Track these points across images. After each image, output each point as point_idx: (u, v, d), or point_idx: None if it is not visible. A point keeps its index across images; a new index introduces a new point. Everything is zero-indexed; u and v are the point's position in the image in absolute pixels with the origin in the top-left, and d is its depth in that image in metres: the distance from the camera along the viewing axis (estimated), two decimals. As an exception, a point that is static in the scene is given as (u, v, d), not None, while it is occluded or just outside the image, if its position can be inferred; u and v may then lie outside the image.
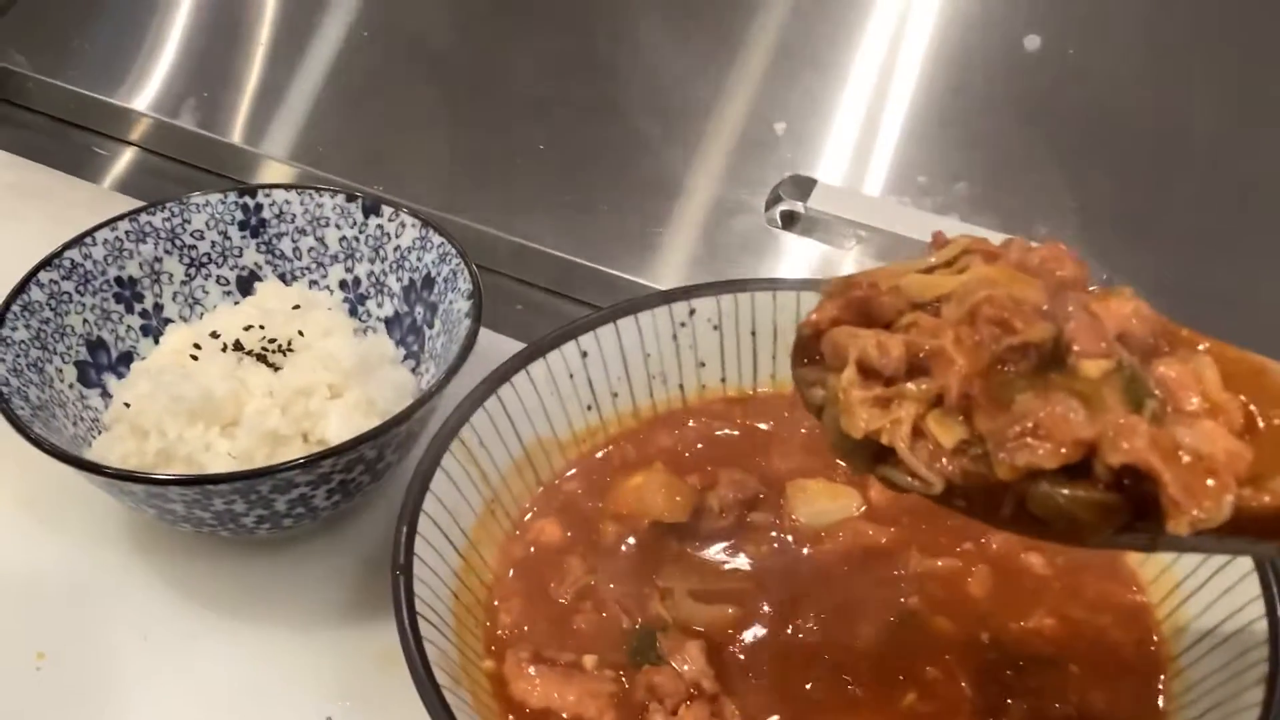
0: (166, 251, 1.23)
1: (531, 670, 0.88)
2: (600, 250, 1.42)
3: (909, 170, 1.40)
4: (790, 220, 1.40)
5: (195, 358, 1.14)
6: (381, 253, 1.23)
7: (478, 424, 0.98)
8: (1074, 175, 1.37)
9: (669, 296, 1.07)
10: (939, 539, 0.97)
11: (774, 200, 1.40)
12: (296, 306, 1.18)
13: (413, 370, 1.20)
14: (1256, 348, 0.68)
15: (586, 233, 1.46)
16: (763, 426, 1.07)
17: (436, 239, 1.19)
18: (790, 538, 0.98)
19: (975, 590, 0.94)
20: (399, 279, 1.22)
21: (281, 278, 1.25)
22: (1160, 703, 0.87)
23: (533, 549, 0.97)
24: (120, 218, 1.20)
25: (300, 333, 1.15)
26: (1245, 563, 0.88)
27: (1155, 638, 0.91)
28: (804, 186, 1.38)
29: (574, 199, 1.49)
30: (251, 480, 0.98)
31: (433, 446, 0.95)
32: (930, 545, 0.97)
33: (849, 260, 1.36)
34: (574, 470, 1.03)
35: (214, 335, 1.17)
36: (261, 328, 1.16)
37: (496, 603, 0.93)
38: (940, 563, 0.95)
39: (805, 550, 0.97)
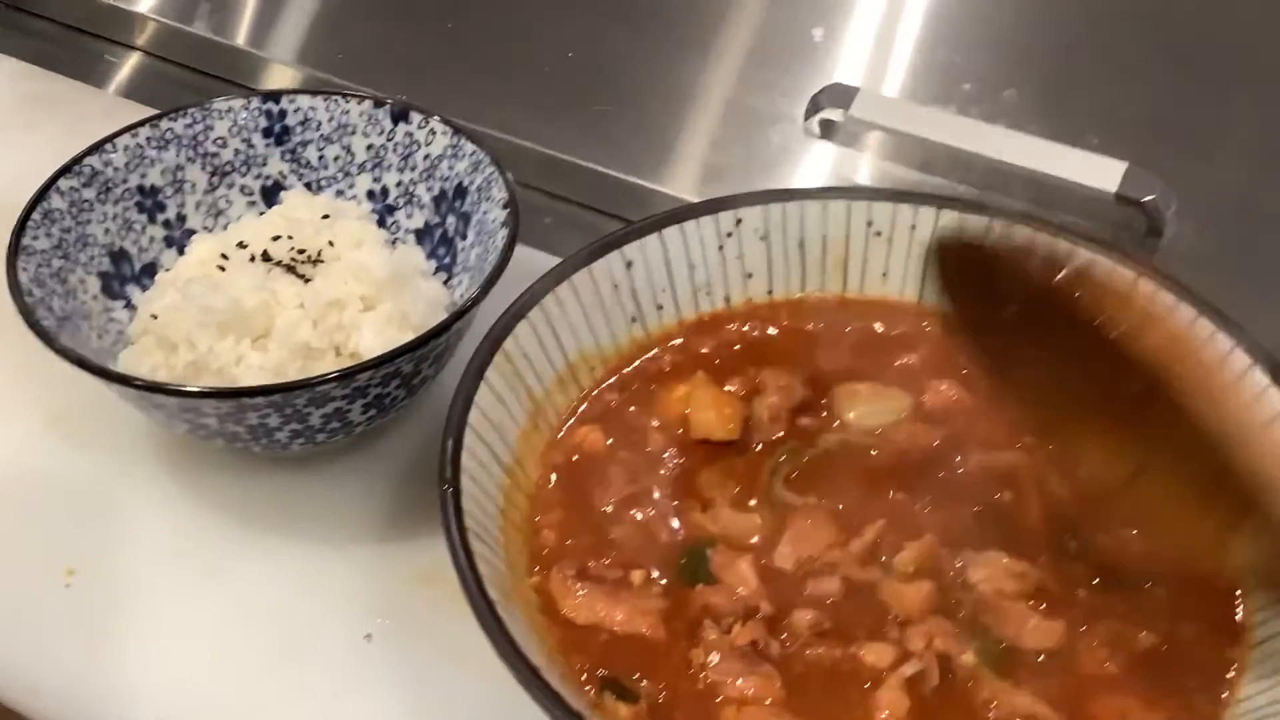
0: (189, 159, 1.18)
1: (578, 587, 0.85)
2: (633, 161, 1.38)
3: (955, 77, 1.35)
4: (830, 130, 1.35)
5: (223, 269, 1.10)
6: (411, 161, 1.19)
7: (521, 335, 0.94)
8: (1131, 87, 1.32)
9: (714, 206, 1.03)
10: (995, 435, 0.94)
11: (813, 109, 1.34)
12: (326, 216, 1.14)
13: (444, 283, 1.16)
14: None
15: (619, 144, 1.41)
16: (808, 327, 1.03)
17: (469, 147, 1.14)
18: (843, 442, 0.95)
19: (1055, 491, 0.91)
20: (429, 188, 1.18)
21: (307, 187, 1.21)
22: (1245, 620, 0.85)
23: (575, 457, 0.94)
24: (141, 124, 1.16)
25: (330, 243, 1.11)
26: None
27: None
28: (844, 95, 1.33)
29: (605, 109, 1.44)
30: (288, 394, 0.95)
31: (475, 359, 0.91)
32: (988, 441, 0.93)
33: (892, 171, 1.32)
34: (614, 378, 1.00)
35: (241, 246, 1.13)
36: (290, 238, 1.12)
37: (538, 517, 0.90)
38: (1000, 456, 0.92)
39: (861, 453, 0.94)
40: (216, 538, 1.06)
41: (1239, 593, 0.86)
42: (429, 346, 0.98)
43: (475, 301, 1.00)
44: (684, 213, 1.02)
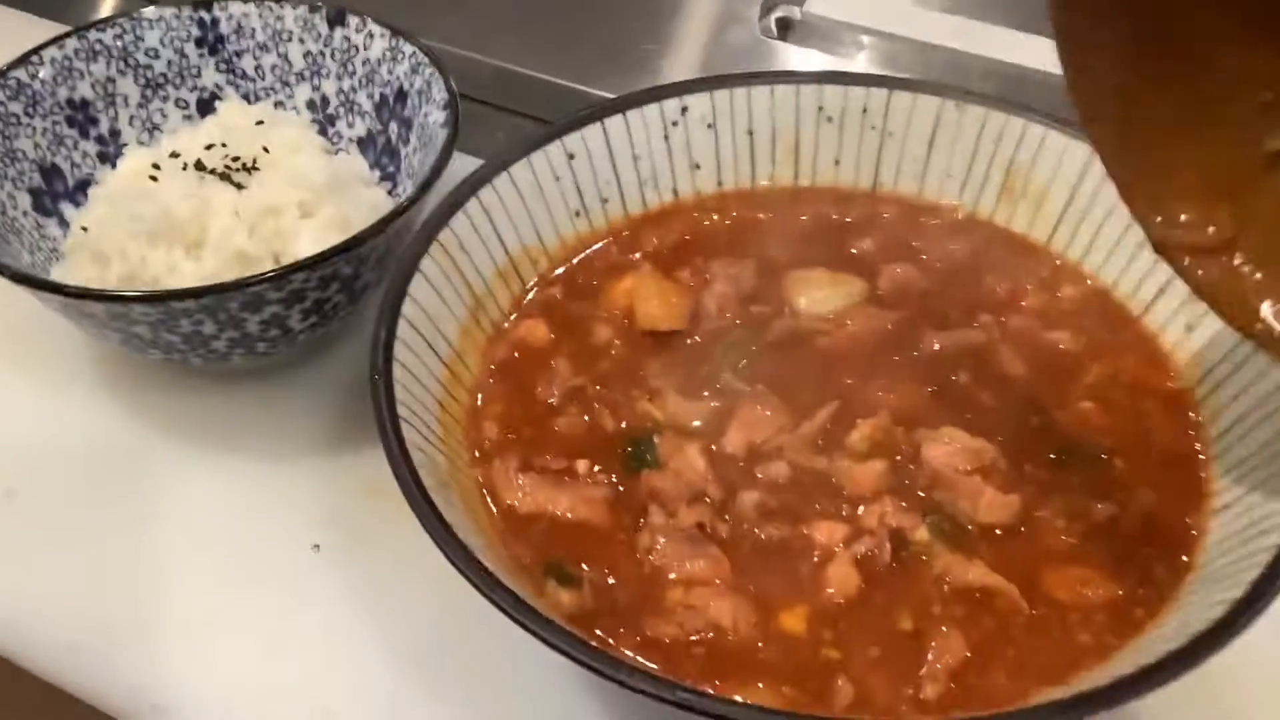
0: (120, 71, 1.15)
1: (521, 478, 0.83)
2: (587, 72, 1.34)
3: (911, -29, 1.31)
4: (786, 28, 1.31)
5: (155, 179, 1.07)
6: (350, 67, 1.15)
7: (458, 227, 0.91)
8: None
9: (659, 93, 1.00)
10: (950, 314, 0.91)
11: (768, 7, 1.31)
12: (260, 122, 1.10)
13: (389, 193, 1.13)
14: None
15: (571, 53, 1.37)
16: (758, 217, 1.00)
17: (408, 48, 1.11)
18: (793, 328, 0.92)
19: (1010, 369, 0.89)
20: (370, 95, 1.14)
21: (245, 99, 1.17)
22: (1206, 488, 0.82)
23: (517, 353, 0.91)
24: (67, 35, 1.12)
25: (265, 149, 1.08)
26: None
27: (1195, 426, 0.86)
28: (800, -10, 1.29)
29: (556, 17, 1.40)
30: (219, 296, 0.92)
31: (408, 249, 0.88)
32: (944, 322, 0.91)
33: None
34: (558, 272, 0.97)
35: (174, 155, 1.09)
36: (224, 146, 1.09)
37: (480, 410, 0.87)
38: (957, 336, 0.89)
39: (812, 339, 0.91)
40: (159, 455, 1.03)
41: (1201, 457, 0.84)
42: (367, 247, 0.95)
43: (413, 201, 0.97)
44: (627, 101, 0.99)
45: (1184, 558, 0.80)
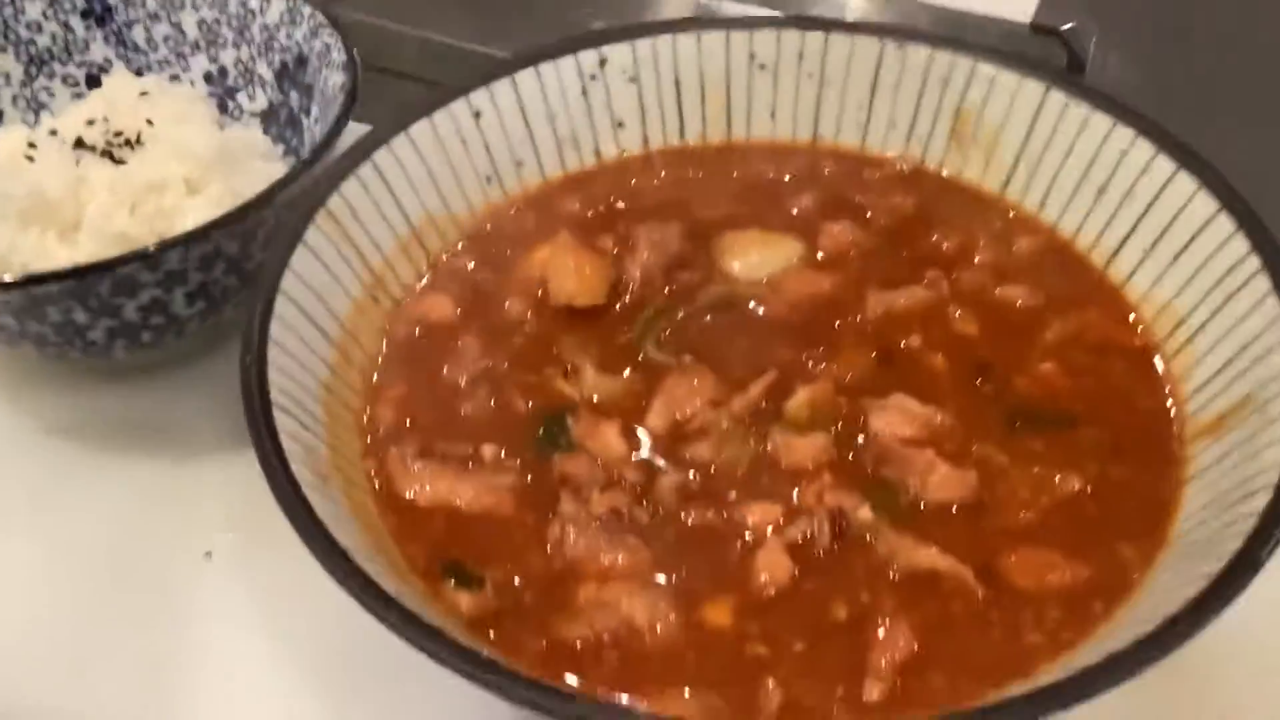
0: (0, 48, 1.06)
1: (418, 466, 0.74)
2: (520, 42, 1.25)
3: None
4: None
5: (31, 159, 0.97)
6: (248, 34, 1.06)
7: (350, 194, 0.82)
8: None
9: (574, 44, 0.91)
10: (896, 274, 0.83)
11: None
12: (145, 94, 1.01)
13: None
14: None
15: (504, 23, 1.29)
16: (687, 175, 0.91)
17: (306, 9, 1.02)
18: (724, 295, 0.83)
19: (963, 328, 0.80)
20: (269, 63, 1.06)
21: (137, 74, 1.08)
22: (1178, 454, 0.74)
23: (418, 330, 0.83)
24: (-66, 7, 1.03)
25: (149, 122, 0.99)
26: (1260, 285, 0.74)
27: (1166, 384, 0.78)
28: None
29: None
30: (83, 279, 0.83)
31: (291, 220, 0.79)
32: (889, 282, 0.83)
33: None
34: (466, 241, 0.88)
35: (53, 133, 1.00)
36: (106, 120, 1.00)
37: (375, 394, 0.79)
38: (904, 296, 0.81)
39: (745, 306, 0.82)
40: (42, 458, 0.94)
41: (1172, 419, 0.76)
42: (251, 220, 0.86)
43: (305, 167, 0.88)
44: (538, 53, 0.90)
45: (1156, 532, 0.71)
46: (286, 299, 0.75)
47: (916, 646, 0.66)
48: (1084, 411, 0.77)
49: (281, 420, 0.68)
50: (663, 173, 0.93)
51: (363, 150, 0.84)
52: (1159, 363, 0.79)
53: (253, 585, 0.86)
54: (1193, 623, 0.59)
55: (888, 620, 0.67)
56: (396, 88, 1.15)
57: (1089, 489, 0.73)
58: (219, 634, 0.83)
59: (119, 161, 0.96)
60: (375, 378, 0.80)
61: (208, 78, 1.08)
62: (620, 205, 0.90)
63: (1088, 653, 0.64)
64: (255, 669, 0.80)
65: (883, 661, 0.65)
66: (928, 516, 0.72)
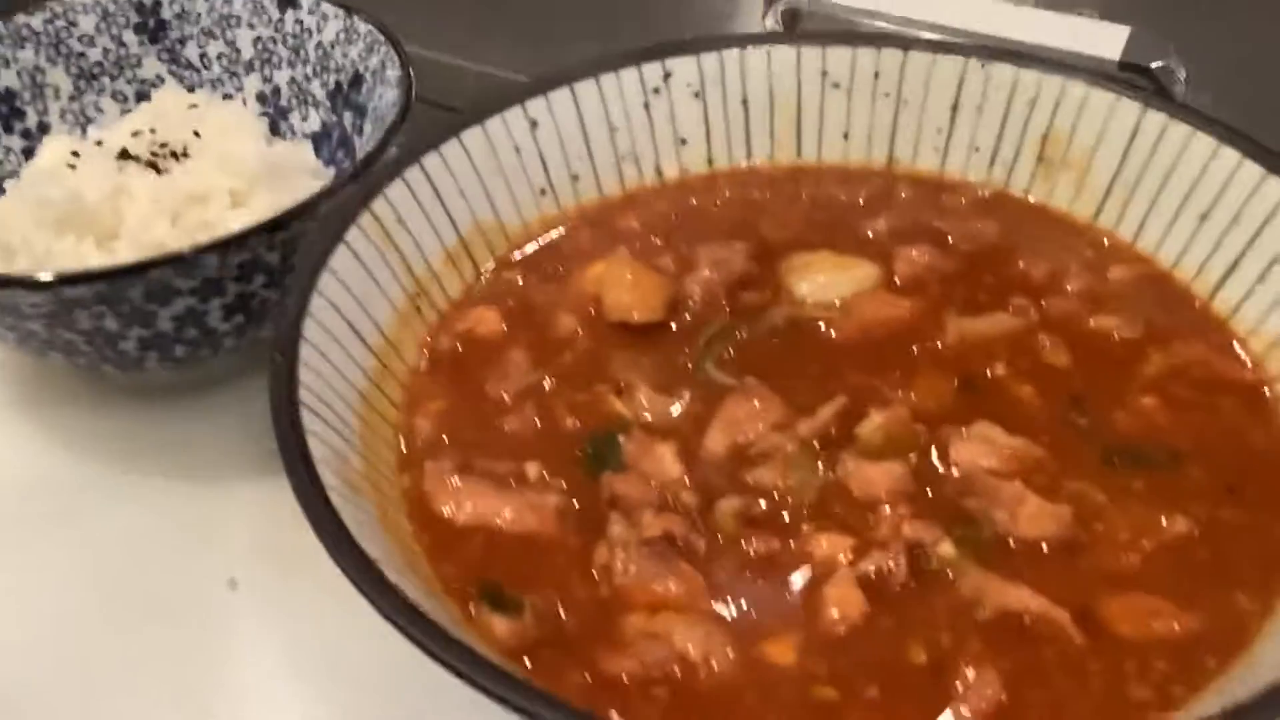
0: (50, 60, 1.03)
1: (456, 482, 0.68)
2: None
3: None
4: (793, 20, 1.18)
5: (73, 166, 0.94)
6: (303, 54, 1.03)
7: (395, 198, 0.78)
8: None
9: (638, 56, 0.87)
10: (979, 299, 0.77)
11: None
12: (194, 106, 0.98)
13: (344, 189, 1.00)
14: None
15: (564, 57, 1.26)
16: (753, 196, 0.86)
17: (363, 27, 0.99)
18: (791, 317, 0.77)
19: (1054, 358, 0.73)
20: (324, 83, 1.02)
21: (190, 93, 1.05)
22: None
23: (460, 346, 0.77)
24: (-10, 19, 1.01)
25: (197, 134, 0.95)
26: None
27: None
28: (807, -25, 1.17)
29: (547, 20, 1.28)
30: (115, 281, 0.78)
31: (334, 217, 0.74)
32: (972, 307, 0.76)
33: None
34: (518, 255, 0.83)
35: (98, 144, 0.97)
36: (153, 131, 0.97)
37: (415, 404, 0.73)
38: (988, 322, 0.75)
39: (814, 329, 0.76)
40: (66, 476, 0.89)
41: (1294, 460, 0.68)
42: (292, 230, 0.82)
43: (351, 178, 0.83)
44: (601, 64, 0.86)
45: (1275, 581, 0.63)
46: (324, 299, 0.70)
47: (1005, 696, 0.59)
48: (1190, 449, 0.70)
49: (310, 421, 0.63)
50: (727, 193, 0.88)
51: (412, 154, 0.79)
52: (1272, 400, 0.72)
53: (276, 617, 0.80)
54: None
55: (972, 666, 0.59)
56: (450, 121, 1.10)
57: (1198, 532, 0.66)
58: (237, 666, 0.77)
59: (163, 172, 0.92)
60: (416, 391, 0.74)
61: (260, 97, 1.05)
62: (681, 225, 0.85)
63: (1200, 709, 0.57)
64: (275, 706, 0.74)
65: (967, 711, 0.57)
66: (1017, 554, 0.65)
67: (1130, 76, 1.06)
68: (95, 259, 0.88)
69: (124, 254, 0.88)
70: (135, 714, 0.75)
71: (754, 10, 1.20)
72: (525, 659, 0.60)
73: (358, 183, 0.83)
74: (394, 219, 0.77)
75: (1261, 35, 1.11)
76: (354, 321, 0.72)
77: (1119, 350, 0.75)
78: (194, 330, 0.85)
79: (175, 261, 0.78)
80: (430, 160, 0.79)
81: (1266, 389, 0.73)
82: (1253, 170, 0.76)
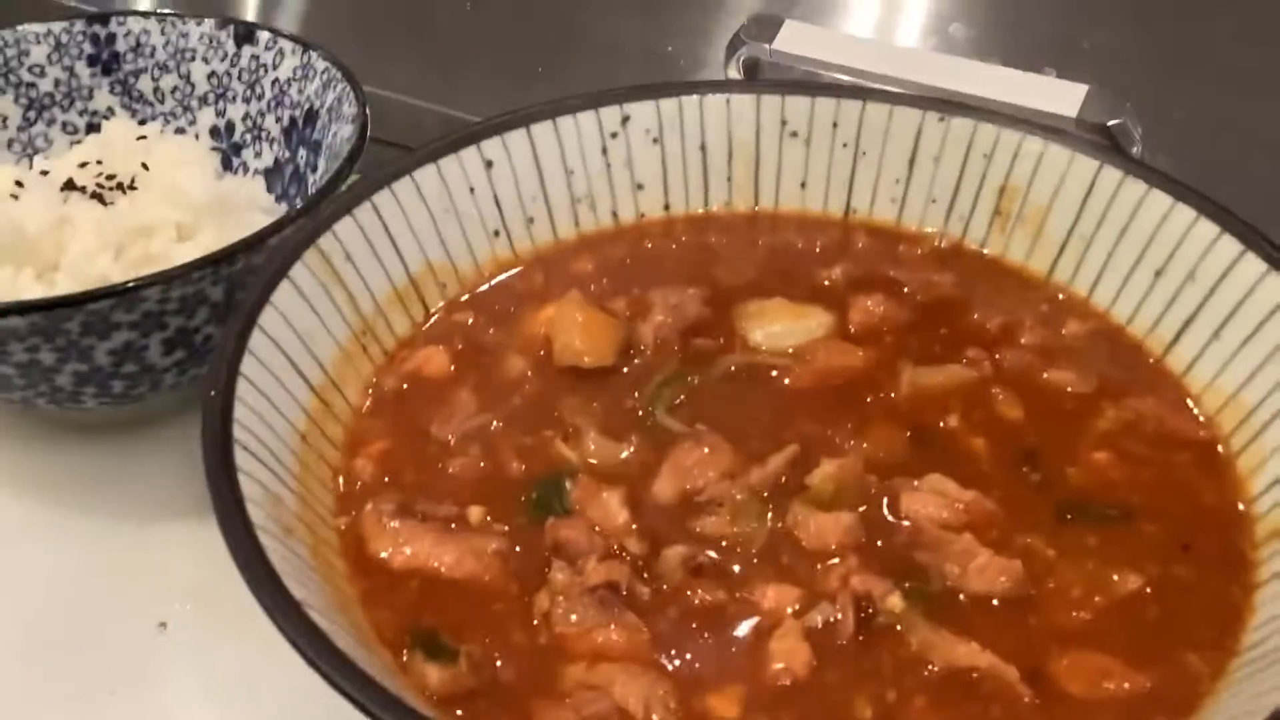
0: (-1, 90, 1.02)
1: (395, 524, 0.66)
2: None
3: (892, 12, 1.20)
4: (754, 70, 1.18)
5: (16, 196, 0.92)
6: (258, 89, 1.02)
7: (344, 234, 0.76)
8: (1090, 17, 1.17)
9: (596, 100, 0.86)
10: (934, 351, 0.76)
11: (735, 46, 1.19)
12: (142, 137, 0.97)
13: (295, 227, 0.98)
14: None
15: (525, 101, 1.25)
16: (709, 241, 0.85)
17: (320, 64, 0.98)
18: (745, 364, 0.76)
19: (1007, 411, 0.73)
20: (278, 119, 1.01)
21: (141, 125, 1.04)
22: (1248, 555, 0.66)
23: (405, 385, 0.75)
24: (-67, 46, 0.99)
25: (145, 166, 0.94)
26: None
27: (1233, 482, 0.70)
28: (768, 26, 1.17)
29: (510, 65, 1.28)
30: (54, 314, 0.76)
31: (279, 251, 0.73)
32: (926, 359, 0.75)
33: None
34: (468, 295, 0.81)
35: (43, 174, 0.95)
36: (99, 163, 0.95)
37: (356, 444, 0.71)
38: (942, 374, 0.74)
39: (767, 376, 0.75)
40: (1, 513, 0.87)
41: (1244, 518, 0.67)
42: (238, 265, 0.80)
43: (301, 213, 0.82)
44: (558, 106, 0.85)
45: (1225, 641, 0.62)
46: (264, 335, 0.68)
47: (952, 755, 0.57)
48: (1143, 506, 0.69)
49: (243, 460, 0.61)
50: (683, 238, 0.87)
51: (363, 191, 0.78)
52: (1225, 457, 0.71)
53: (206, 661, 0.77)
54: (1285, 733, 0.50)
55: (920, 723, 0.58)
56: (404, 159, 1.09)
57: (1150, 590, 0.65)
58: (163, 710, 0.74)
59: (108, 204, 0.91)
60: (357, 431, 0.72)
61: (214, 132, 1.04)
62: (636, 269, 0.84)
63: (1151, 772, 0.55)
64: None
65: (913, 769, 0.56)
66: (967, 609, 0.63)
67: (1087, 136, 1.07)
68: (33, 291, 0.85)
69: (64, 286, 0.86)
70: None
71: (715, 60, 1.20)
72: (458, 710, 0.58)
73: (306, 218, 0.81)
74: (342, 256, 0.76)
75: (1219, 97, 1.12)
76: (295, 359, 0.71)
77: (1073, 404, 0.75)
78: (133, 366, 0.82)
79: (115, 294, 0.76)
80: (381, 197, 0.78)
81: (1220, 446, 0.72)
82: (1208, 229, 0.76)
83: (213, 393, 0.64)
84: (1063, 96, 1.08)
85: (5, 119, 1.02)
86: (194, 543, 0.83)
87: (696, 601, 0.63)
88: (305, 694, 0.69)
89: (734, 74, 1.14)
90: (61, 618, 0.80)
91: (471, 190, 0.83)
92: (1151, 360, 0.77)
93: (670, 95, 0.87)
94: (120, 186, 0.93)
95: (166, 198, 0.90)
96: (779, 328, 0.79)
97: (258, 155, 1.03)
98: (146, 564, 0.83)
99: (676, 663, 0.60)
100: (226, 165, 1.03)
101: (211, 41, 1.03)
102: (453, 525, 0.67)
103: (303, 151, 0.99)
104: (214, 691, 0.75)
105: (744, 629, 0.61)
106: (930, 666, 0.60)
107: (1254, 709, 0.54)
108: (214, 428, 0.61)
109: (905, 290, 0.82)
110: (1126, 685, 0.61)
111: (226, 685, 0.76)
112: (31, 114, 1.03)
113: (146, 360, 0.82)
